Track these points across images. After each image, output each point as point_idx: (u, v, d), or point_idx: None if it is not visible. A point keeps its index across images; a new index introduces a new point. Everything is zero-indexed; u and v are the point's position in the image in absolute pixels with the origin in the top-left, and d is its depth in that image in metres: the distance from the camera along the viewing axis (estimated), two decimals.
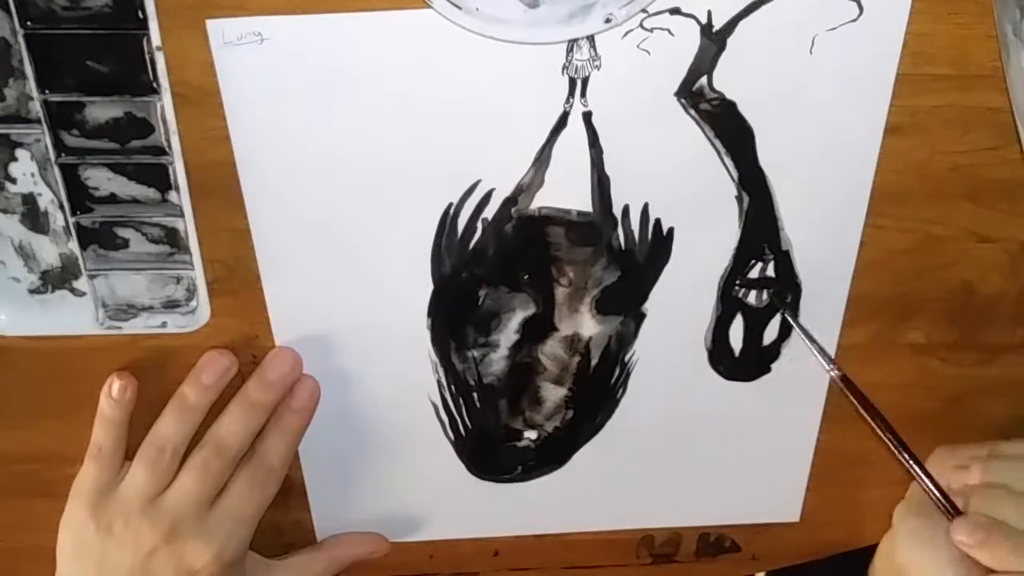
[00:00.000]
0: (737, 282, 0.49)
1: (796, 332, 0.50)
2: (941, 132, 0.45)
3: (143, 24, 0.39)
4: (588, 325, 0.50)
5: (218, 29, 0.39)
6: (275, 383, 0.49)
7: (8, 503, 0.53)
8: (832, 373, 0.48)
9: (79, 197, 0.44)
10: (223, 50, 0.40)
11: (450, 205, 0.45)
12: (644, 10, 0.40)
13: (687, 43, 0.41)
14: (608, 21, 0.40)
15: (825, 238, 0.48)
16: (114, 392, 0.48)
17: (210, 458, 0.48)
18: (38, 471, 0.52)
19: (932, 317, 0.51)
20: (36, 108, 0.41)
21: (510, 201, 0.45)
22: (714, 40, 0.41)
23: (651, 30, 0.41)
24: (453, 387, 0.51)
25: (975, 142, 0.45)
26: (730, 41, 0.41)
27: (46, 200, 0.44)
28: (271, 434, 0.49)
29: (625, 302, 0.49)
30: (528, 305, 0.49)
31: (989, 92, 0.44)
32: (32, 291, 0.47)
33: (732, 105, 0.43)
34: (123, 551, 0.47)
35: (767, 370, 0.52)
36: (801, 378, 0.52)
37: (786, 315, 0.49)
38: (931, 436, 0.55)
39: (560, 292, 0.48)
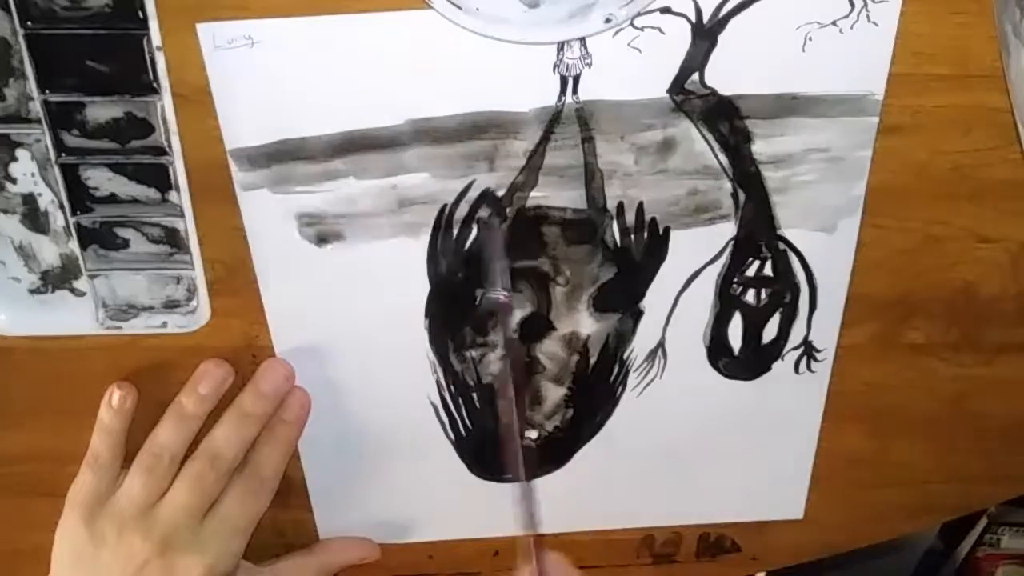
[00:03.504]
0: (735, 280, 0.49)
1: (795, 327, 0.51)
2: (941, 132, 0.45)
3: (143, 24, 0.39)
4: (586, 323, 0.50)
5: (209, 33, 0.39)
6: (269, 394, 0.49)
7: (8, 503, 0.53)
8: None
9: (79, 197, 0.44)
10: (214, 54, 0.40)
11: (444, 206, 0.45)
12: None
13: (678, 40, 0.41)
14: (608, 21, 0.40)
15: (823, 236, 0.48)
16: (114, 401, 0.48)
17: (204, 469, 0.48)
18: (38, 471, 0.52)
19: (932, 317, 0.51)
20: (36, 108, 0.41)
21: (505, 201, 0.45)
22: (705, 37, 0.41)
23: (642, 28, 0.41)
24: (452, 387, 0.51)
25: (975, 142, 0.45)
26: (721, 38, 0.41)
27: (46, 200, 0.44)
28: (264, 446, 0.49)
29: (622, 299, 0.49)
30: (525, 304, 0.49)
31: (989, 92, 0.44)
32: (32, 291, 0.47)
33: (725, 102, 0.43)
34: (116, 561, 0.47)
35: (767, 369, 0.52)
36: (802, 377, 0.52)
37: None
38: (931, 436, 0.56)
39: (557, 291, 0.48)
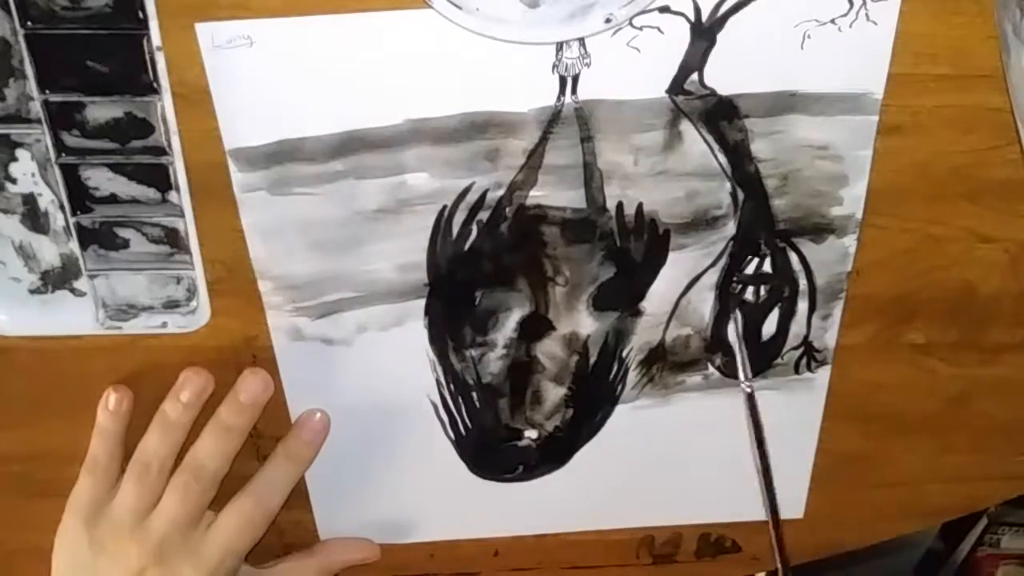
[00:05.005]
0: (734, 278, 0.49)
1: (794, 327, 0.50)
2: (941, 132, 0.45)
3: (143, 24, 0.39)
4: (585, 323, 0.50)
5: (207, 32, 0.39)
6: (248, 405, 0.48)
7: (8, 503, 0.53)
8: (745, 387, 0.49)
9: (79, 197, 0.44)
10: (213, 53, 0.40)
11: (444, 207, 0.45)
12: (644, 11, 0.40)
13: (677, 40, 0.41)
14: (608, 21, 0.40)
15: (822, 234, 0.48)
16: (111, 405, 0.48)
17: (189, 482, 0.48)
18: (38, 471, 0.52)
19: (932, 317, 0.51)
20: (36, 108, 0.41)
21: (504, 200, 0.45)
22: (704, 36, 0.41)
23: (640, 28, 0.41)
24: (452, 386, 0.51)
25: (975, 142, 0.45)
26: (720, 37, 0.41)
27: (46, 200, 0.44)
28: (272, 473, 0.50)
29: (622, 299, 0.49)
30: (525, 304, 0.49)
31: (989, 92, 0.44)
32: (32, 291, 0.47)
33: (724, 102, 0.43)
34: (114, 569, 0.47)
35: (767, 367, 0.52)
36: (802, 377, 0.52)
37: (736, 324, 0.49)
38: (931, 436, 0.56)
39: (557, 290, 0.48)
